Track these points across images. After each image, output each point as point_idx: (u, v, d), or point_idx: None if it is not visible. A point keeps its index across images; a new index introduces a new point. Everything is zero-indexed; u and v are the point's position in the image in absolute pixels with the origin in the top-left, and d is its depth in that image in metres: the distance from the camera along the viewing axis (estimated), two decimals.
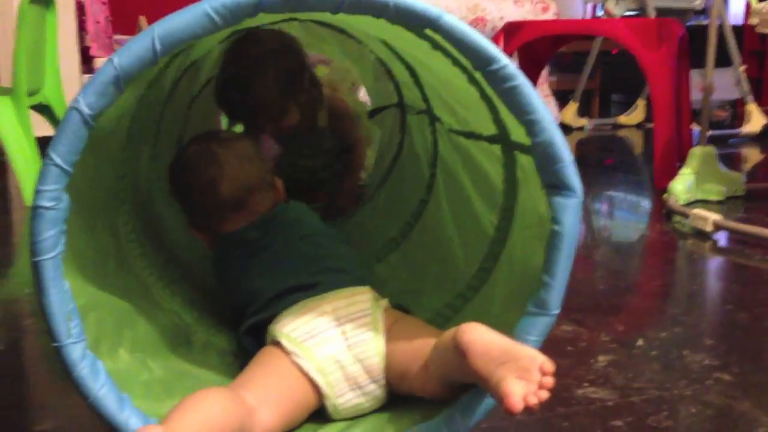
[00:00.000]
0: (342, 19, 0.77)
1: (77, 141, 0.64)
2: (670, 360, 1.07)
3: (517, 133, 0.78)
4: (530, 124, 0.70)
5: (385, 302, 0.86)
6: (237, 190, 0.95)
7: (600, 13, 3.93)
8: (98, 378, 0.68)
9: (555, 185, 0.71)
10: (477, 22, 3.17)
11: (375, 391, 0.81)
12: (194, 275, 1.10)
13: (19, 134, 2.08)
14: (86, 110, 0.64)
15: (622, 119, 4.03)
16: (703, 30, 2.64)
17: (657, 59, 2.31)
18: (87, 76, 3.08)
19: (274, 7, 0.66)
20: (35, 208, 0.64)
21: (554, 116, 3.46)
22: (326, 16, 0.78)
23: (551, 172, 0.71)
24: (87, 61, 3.23)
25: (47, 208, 0.64)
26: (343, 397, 0.80)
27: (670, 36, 2.34)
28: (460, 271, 1.00)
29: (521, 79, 0.69)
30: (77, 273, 0.73)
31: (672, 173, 2.17)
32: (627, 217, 2.18)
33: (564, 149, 0.70)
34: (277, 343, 0.81)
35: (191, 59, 1.13)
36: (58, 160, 0.64)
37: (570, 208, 0.71)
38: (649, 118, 3.83)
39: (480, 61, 0.69)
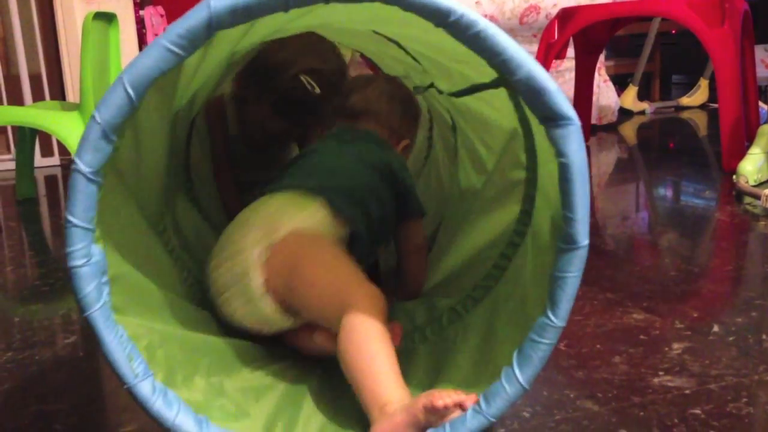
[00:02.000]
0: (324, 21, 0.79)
1: (88, 199, 0.67)
2: (747, 345, 1.04)
3: None
4: (505, 64, 0.69)
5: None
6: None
7: None
8: (172, 407, 0.71)
9: (548, 117, 0.69)
10: (530, 11, 3.13)
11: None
12: None
13: None
14: (86, 169, 0.66)
15: (685, 101, 3.93)
16: (766, 3, 2.55)
17: (720, 36, 2.24)
18: None
19: (224, 23, 0.67)
20: (70, 269, 0.68)
21: (614, 102, 3.41)
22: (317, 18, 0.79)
23: (540, 105, 0.69)
24: None
25: (80, 266, 0.67)
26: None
27: (733, 11, 2.27)
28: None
29: (483, 23, 0.68)
30: (142, 312, 0.77)
31: (740, 154, 2.10)
32: (695, 200, 2.12)
33: (547, 80, 0.69)
34: None
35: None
36: (76, 221, 0.67)
37: (570, 137, 0.69)
38: (713, 98, 3.73)
39: (438, 17, 0.68)
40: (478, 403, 0.73)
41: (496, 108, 0.95)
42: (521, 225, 0.96)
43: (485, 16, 3.02)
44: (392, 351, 0.79)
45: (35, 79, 3.12)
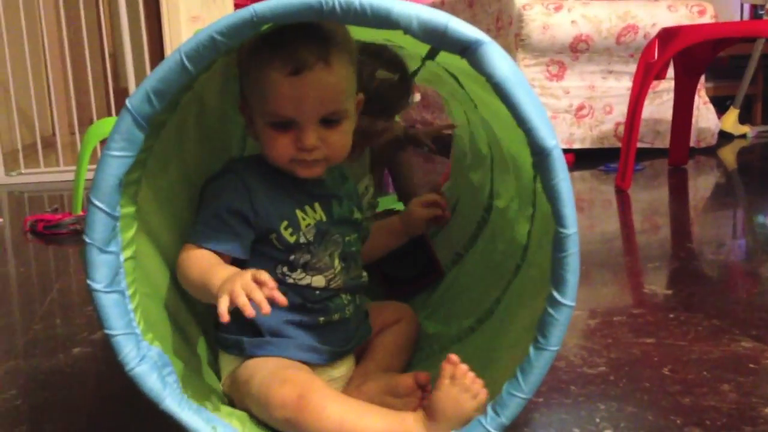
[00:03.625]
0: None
1: (118, 307, 0.74)
2: None
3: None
4: (399, 25, 0.69)
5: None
6: None
7: (762, 12, 3.71)
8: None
9: (462, 48, 0.69)
10: (628, 30, 3.08)
11: None
12: None
13: None
14: (98, 285, 0.73)
15: None
16: None
17: None
18: None
19: (233, 37, 0.69)
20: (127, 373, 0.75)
21: (714, 125, 3.30)
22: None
23: (448, 42, 0.69)
24: None
25: (134, 367, 0.74)
26: None
27: None
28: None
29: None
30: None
31: None
32: None
33: (440, 16, 0.69)
34: None
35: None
36: (116, 332, 0.74)
37: (489, 55, 0.69)
38: None
39: (313, 13, 0.69)
40: (536, 340, 0.74)
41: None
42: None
43: (581, 35, 3.01)
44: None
45: None
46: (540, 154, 0.70)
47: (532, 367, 0.74)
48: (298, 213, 0.88)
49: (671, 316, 1.27)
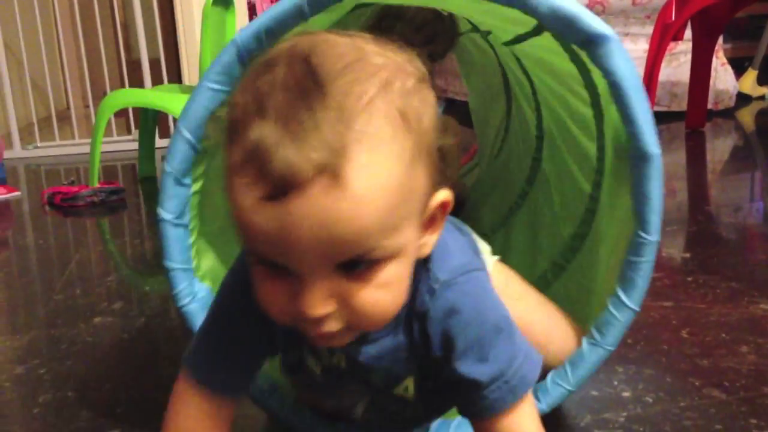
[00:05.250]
0: None
1: (179, 243, 0.75)
2: None
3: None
4: (526, 5, 0.68)
5: None
6: None
7: None
8: None
9: (585, 41, 0.68)
10: None
11: None
12: None
13: None
14: (168, 216, 0.73)
15: None
16: None
17: None
18: None
19: (253, 50, 0.69)
20: (179, 309, 0.76)
21: (732, 86, 3.26)
22: None
23: (574, 31, 0.68)
24: None
25: (186, 305, 0.76)
26: None
27: None
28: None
29: None
30: None
31: None
32: None
33: (572, 4, 0.67)
34: None
35: None
36: (174, 265, 0.75)
37: (611, 53, 0.67)
38: None
39: None
40: (592, 335, 0.74)
41: (550, 50, 0.94)
42: (599, 161, 0.94)
43: None
44: None
45: (154, 64, 3.27)
46: (641, 159, 0.69)
47: (583, 362, 0.74)
48: (307, 354, 0.64)
49: (689, 279, 1.26)
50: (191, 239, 0.76)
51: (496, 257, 0.82)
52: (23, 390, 0.98)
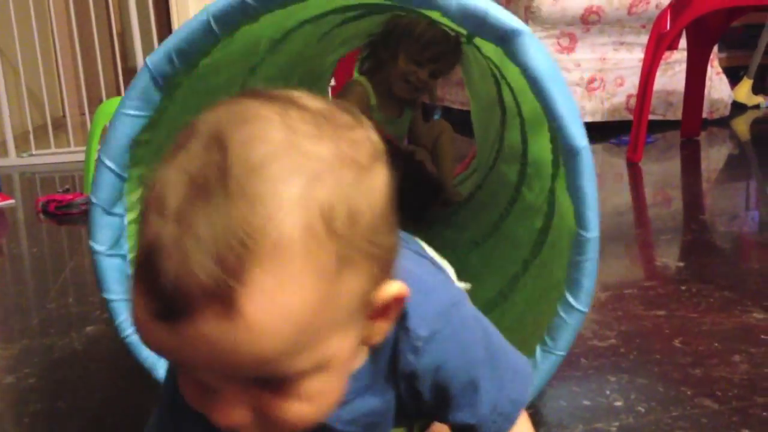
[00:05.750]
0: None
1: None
2: None
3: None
4: (438, 6, 0.67)
5: None
6: None
7: None
8: None
9: (499, 37, 0.67)
10: (639, 0, 3.03)
11: None
12: None
13: None
14: (100, 248, 0.75)
15: None
16: None
17: None
18: None
19: (166, 72, 0.70)
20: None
21: (727, 95, 3.26)
22: None
23: (486, 28, 0.67)
24: None
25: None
26: None
27: None
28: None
29: None
30: None
31: None
32: None
33: (481, 1, 0.67)
34: None
35: None
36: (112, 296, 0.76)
37: (526, 47, 0.67)
38: None
39: None
40: (544, 343, 0.73)
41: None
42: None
43: (592, 6, 2.97)
44: None
45: None
46: (569, 153, 0.68)
47: (537, 370, 0.73)
48: None
49: (683, 288, 1.26)
50: (133, 270, 0.75)
51: (463, 284, 0.76)
52: (13, 399, 0.97)
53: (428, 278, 0.56)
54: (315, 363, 0.41)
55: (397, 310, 0.47)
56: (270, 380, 0.41)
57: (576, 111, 0.68)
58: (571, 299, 0.72)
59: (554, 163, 0.89)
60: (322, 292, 0.39)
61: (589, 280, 0.71)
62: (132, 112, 0.70)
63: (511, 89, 1.05)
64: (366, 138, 0.44)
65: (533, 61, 0.67)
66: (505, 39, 0.67)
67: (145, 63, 0.70)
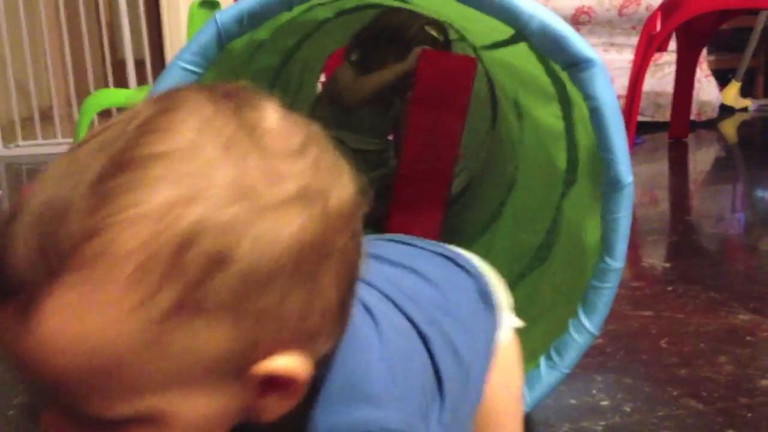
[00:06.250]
0: None
1: None
2: None
3: None
4: (518, 20, 0.68)
5: None
6: None
7: None
8: None
9: (570, 63, 0.68)
10: (630, 2, 3.05)
11: None
12: None
13: None
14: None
15: None
16: None
17: None
18: None
19: (233, 34, 0.68)
20: None
21: (715, 98, 3.28)
22: None
23: (560, 52, 0.68)
24: None
25: None
26: None
27: None
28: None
29: None
30: None
31: None
32: None
33: (562, 26, 0.68)
34: None
35: None
36: None
37: (594, 78, 0.68)
38: None
39: None
40: (550, 357, 0.73)
41: (526, 59, 0.94)
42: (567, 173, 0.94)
43: (583, 7, 2.98)
44: None
45: (140, 64, 3.25)
46: (614, 186, 0.70)
47: (540, 384, 0.74)
48: None
49: (669, 288, 1.27)
50: None
51: (516, 322, 0.60)
52: None
53: (382, 368, 0.42)
54: (142, 414, 0.35)
55: (296, 392, 0.38)
56: (90, 418, 0.35)
57: (626, 148, 0.70)
58: (584, 320, 0.73)
59: (566, 182, 0.90)
60: (147, 332, 0.33)
61: (605, 306, 0.73)
62: (188, 66, 0.68)
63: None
64: (300, 174, 0.35)
65: (600, 93, 0.68)
66: (578, 66, 0.68)
67: (214, 20, 0.67)
